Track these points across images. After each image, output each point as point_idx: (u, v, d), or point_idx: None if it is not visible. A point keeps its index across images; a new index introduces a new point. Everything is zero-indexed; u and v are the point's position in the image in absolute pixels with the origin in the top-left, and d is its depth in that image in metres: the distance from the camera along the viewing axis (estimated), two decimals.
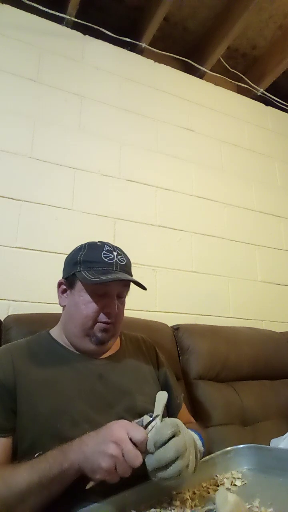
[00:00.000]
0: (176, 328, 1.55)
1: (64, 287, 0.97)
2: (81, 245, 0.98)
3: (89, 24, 1.95)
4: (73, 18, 1.90)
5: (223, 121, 2.29)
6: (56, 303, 1.01)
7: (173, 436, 0.62)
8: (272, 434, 1.26)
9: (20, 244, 1.51)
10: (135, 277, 0.95)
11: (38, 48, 1.81)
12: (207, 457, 0.77)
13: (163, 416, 0.69)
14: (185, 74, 2.25)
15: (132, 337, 1.10)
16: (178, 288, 1.79)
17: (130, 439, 0.61)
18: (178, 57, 2.21)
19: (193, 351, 1.48)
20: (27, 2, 1.79)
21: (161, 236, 1.84)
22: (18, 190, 1.57)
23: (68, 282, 0.96)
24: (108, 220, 1.72)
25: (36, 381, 0.85)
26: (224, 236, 2.02)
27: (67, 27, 1.93)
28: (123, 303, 0.98)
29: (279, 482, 0.71)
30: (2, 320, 1.24)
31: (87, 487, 0.63)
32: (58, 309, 1.04)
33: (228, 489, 0.69)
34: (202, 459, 0.72)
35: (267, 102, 2.52)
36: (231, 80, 2.40)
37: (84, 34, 1.96)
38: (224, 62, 2.29)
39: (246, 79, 2.41)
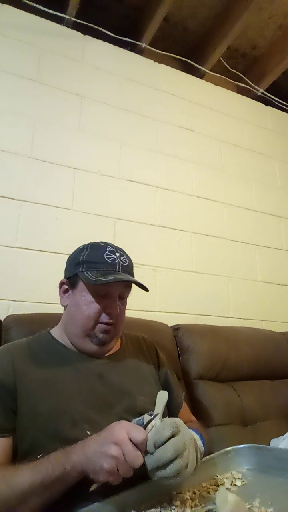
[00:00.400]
0: (176, 328, 1.55)
1: (66, 287, 0.97)
2: (84, 246, 0.98)
3: (89, 24, 1.95)
4: (73, 18, 1.90)
5: (223, 121, 2.29)
6: (56, 303, 1.01)
7: (172, 436, 0.62)
8: (272, 434, 1.26)
9: (20, 244, 1.51)
10: (135, 277, 0.95)
11: (38, 48, 1.81)
12: (207, 457, 0.77)
13: (164, 416, 0.69)
14: (185, 74, 2.25)
15: (133, 337, 1.10)
16: (178, 288, 1.79)
17: (131, 440, 0.61)
18: (178, 57, 2.21)
19: (193, 351, 1.48)
20: (27, 2, 1.79)
21: (161, 236, 1.84)
22: (18, 190, 1.57)
23: (70, 282, 0.96)
24: (108, 220, 1.72)
25: (36, 381, 0.85)
26: (224, 236, 2.02)
27: (67, 27, 1.93)
28: (124, 304, 0.98)
29: (279, 482, 0.71)
30: (2, 320, 1.24)
31: (91, 489, 0.63)
32: (58, 309, 1.04)
33: (228, 489, 0.69)
34: (202, 459, 0.72)
35: (267, 102, 2.52)
36: (231, 80, 2.40)
37: (84, 34, 1.96)
38: (224, 62, 2.29)
39: (246, 79, 2.41)
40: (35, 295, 1.46)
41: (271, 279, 2.09)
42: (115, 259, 0.92)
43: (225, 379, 1.49)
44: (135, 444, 0.61)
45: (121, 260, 0.93)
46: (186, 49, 2.25)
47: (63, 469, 0.65)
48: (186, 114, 2.16)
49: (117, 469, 0.61)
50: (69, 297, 0.96)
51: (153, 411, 0.70)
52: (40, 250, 1.54)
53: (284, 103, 2.55)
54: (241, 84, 2.43)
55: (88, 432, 0.78)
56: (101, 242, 0.98)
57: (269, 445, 1.19)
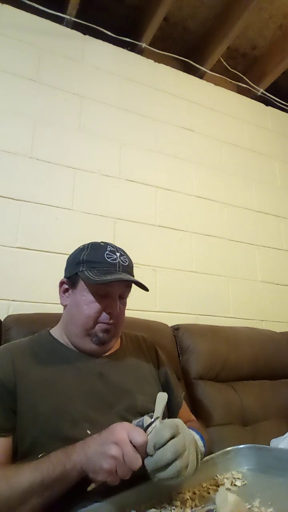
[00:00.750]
0: (176, 328, 1.55)
1: (66, 286, 0.97)
2: (84, 245, 0.98)
3: (89, 24, 1.95)
4: (73, 18, 1.90)
5: (223, 121, 2.29)
6: (56, 303, 1.01)
7: (172, 438, 0.62)
8: (272, 434, 1.26)
9: (20, 244, 1.51)
10: (135, 277, 0.95)
11: (38, 48, 1.81)
12: (207, 457, 0.77)
13: (164, 416, 0.69)
14: (185, 74, 2.25)
15: (132, 336, 1.10)
16: (178, 288, 1.79)
17: (131, 442, 0.62)
18: (178, 57, 2.21)
19: (193, 351, 1.48)
20: (27, 2, 1.79)
21: (161, 236, 1.84)
22: (18, 190, 1.57)
23: (70, 282, 0.96)
24: (108, 220, 1.72)
25: (36, 381, 0.85)
26: (224, 236, 2.02)
27: (67, 27, 1.93)
28: (124, 304, 0.98)
29: (279, 482, 0.71)
30: (2, 320, 1.25)
31: (89, 488, 0.63)
32: (58, 309, 1.04)
33: (228, 489, 0.69)
34: (202, 459, 0.72)
35: (267, 102, 2.52)
36: (231, 80, 2.40)
37: (84, 34, 1.96)
38: (224, 62, 2.29)
39: (246, 79, 2.41)
40: (35, 295, 1.46)
41: (271, 279, 2.09)
42: (115, 259, 0.92)
43: (225, 379, 1.49)
44: (134, 447, 0.61)
45: (121, 260, 0.93)
46: (186, 49, 2.24)
47: (63, 468, 0.65)
48: (186, 114, 2.16)
49: (116, 470, 0.61)
50: (69, 297, 0.96)
51: (153, 413, 0.70)
52: (40, 250, 1.54)
53: (284, 103, 2.55)
54: (241, 84, 2.43)
55: (88, 431, 0.78)
56: (101, 242, 0.98)
57: (269, 445, 1.19)
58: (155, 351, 1.09)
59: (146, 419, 0.67)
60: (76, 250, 0.99)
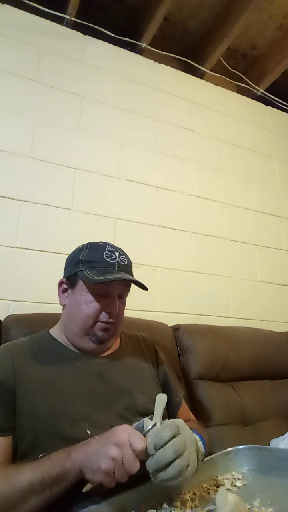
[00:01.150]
0: (176, 328, 1.55)
1: (65, 286, 0.97)
2: (83, 245, 0.98)
3: (89, 24, 1.95)
4: (73, 18, 1.90)
5: (223, 121, 2.29)
6: (56, 303, 1.01)
7: (172, 438, 0.62)
8: (272, 434, 1.25)
9: (20, 244, 1.51)
10: (135, 277, 0.95)
11: (38, 48, 1.81)
12: (207, 457, 0.77)
13: (163, 418, 0.69)
14: (185, 74, 2.25)
15: (132, 336, 1.10)
16: (178, 288, 1.79)
17: (131, 446, 0.61)
18: (178, 57, 2.21)
19: (193, 351, 1.48)
20: (27, 2, 1.79)
21: (161, 236, 1.84)
22: (18, 190, 1.57)
23: (69, 282, 0.96)
24: (108, 220, 1.72)
25: (36, 381, 0.85)
26: (224, 236, 2.02)
27: (67, 27, 1.93)
28: (124, 304, 0.98)
29: (279, 482, 0.71)
30: (2, 320, 1.24)
31: (84, 490, 0.63)
32: (58, 309, 1.04)
33: (228, 489, 0.69)
34: (202, 460, 0.72)
35: (267, 102, 2.52)
36: (231, 80, 2.40)
37: (84, 34, 1.96)
38: (224, 62, 2.29)
39: (246, 79, 2.41)
40: (35, 295, 1.46)
41: (271, 279, 2.09)
42: (114, 259, 0.92)
43: (225, 379, 1.49)
44: (133, 451, 0.61)
45: (120, 260, 0.93)
46: (186, 49, 2.24)
47: (63, 467, 0.65)
48: (186, 114, 2.16)
49: (113, 472, 0.60)
50: (68, 297, 0.96)
51: (153, 414, 0.69)
52: (40, 250, 1.53)
53: (284, 103, 2.55)
54: (241, 84, 2.43)
55: (88, 431, 0.78)
56: (100, 241, 0.98)
57: (269, 445, 1.19)
58: (154, 351, 1.09)
59: (146, 422, 0.67)
60: (75, 250, 0.99)
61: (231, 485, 0.72)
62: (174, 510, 0.63)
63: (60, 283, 0.99)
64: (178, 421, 0.66)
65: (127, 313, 1.01)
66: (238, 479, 0.74)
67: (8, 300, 1.42)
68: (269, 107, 2.53)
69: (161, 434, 0.62)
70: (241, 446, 0.82)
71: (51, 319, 1.06)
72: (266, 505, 0.62)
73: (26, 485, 0.66)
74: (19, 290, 1.45)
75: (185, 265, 1.85)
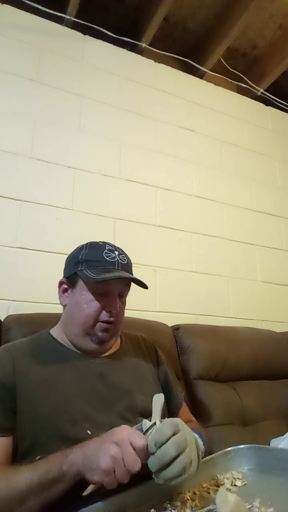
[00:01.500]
0: (176, 328, 1.55)
1: (65, 286, 0.97)
2: (83, 245, 0.98)
3: (89, 24, 1.95)
4: (73, 18, 1.90)
5: (223, 121, 2.29)
6: (56, 303, 1.01)
7: (173, 435, 0.61)
8: (272, 434, 1.25)
9: (20, 244, 1.51)
10: (135, 277, 0.95)
11: (38, 48, 1.81)
12: (207, 457, 0.77)
13: (163, 417, 0.69)
14: (185, 74, 2.25)
15: (132, 336, 1.10)
16: (178, 288, 1.79)
17: (131, 444, 0.61)
18: (178, 57, 2.21)
19: (193, 351, 1.48)
20: (27, 2, 1.79)
21: (161, 236, 1.84)
22: (18, 190, 1.57)
23: (69, 282, 0.96)
24: (108, 220, 1.72)
25: (36, 381, 0.85)
26: (224, 236, 2.02)
27: (67, 27, 1.93)
28: (124, 303, 0.98)
29: (279, 482, 0.71)
30: (2, 320, 1.25)
31: (84, 493, 0.62)
32: (58, 309, 1.04)
33: (228, 489, 0.69)
34: (202, 459, 0.72)
35: (267, 102, 2.52)
36: (231, 80, 2.40)
37: (84, 34, 1.96)
38: (224, 62, 2.29)
39: (246, 79, 2.41)
40: (35, 295, 1.46)
41: (271, 279, 2.08)
42: (114, 258, 0.92)
43: (225, 379, 1.49)
44: (134, 449, 0.61)
45: (120, 259, 0.93)
46: (186, 49, 2.24)
47: (60, 469, 0.65)
48: (186, 114, 2.16)
49: (114, 471, 0.60)
50: (68, 296, 0.96)
51: (152, 416, 0.69)
52: (40, 250, 1.53)
53: (284, 103, 2.55)
54: (241, 84, 2.43)
55: (88, 431, 0.78)
56: (99, 241, 0.98)
57: (269, 445, 1.19)
58: (154, 351, 1.09)
59: (145, 422, 0.67)
60: (75, 250, 0.99)
61: (231, 485, 0.72)
62: (174, 509, 0.63)
63: (60, 283, 0.99)
64: (177, 419, 0.66)
65: (127, 313, 1.01)
66: (238, 478, 0.74)
67: (8, 300, 1.42)
68: (269, 107, 2.53)
69: (162, 432, 0.61)
70: (241, 446, 0.82)
71: (51, 319, 1.06)
72: (266, 505, 0.62)
73: (24, 487, 0.66)
74: (19, 290, 1.45)
75: (185, 265, 1.85)
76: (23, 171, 1.60)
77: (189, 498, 0.66)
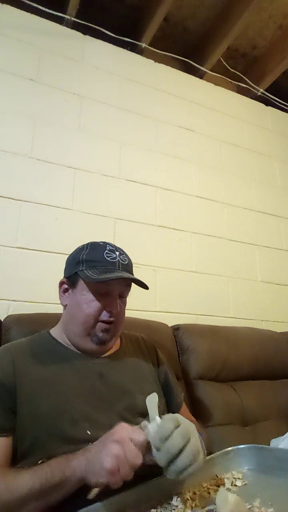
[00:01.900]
0: (176, 328, 1.55)
1: (66, 286, 0.97)
2: (83, 245, 0.98)
3: (89, 24, 1.95)
4: (73, 18, 1.90)
5: (223, 121, 2.29)
6: (56, 303, 1.01)
7: (175, 428, 0.62)
8: (272, 434, 1.26)
9: (20, 244, 1.51)
10: (136, 277, 0.95)
11: (38, 48, 1.81)
12: (207, 457, 0.77)
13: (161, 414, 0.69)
14: (185, 74, 2.25)
15: (132, 337, 1.10)
16: (178, 288, 1.79)
17: (131, 441, 0.61)
18: (178, 57, 2.21)
19: (193, 351, 1.48)
20: (27, 2, 1.79)
21: (161, 236, 1.84)
22: (18, 190, 1.57)
23: (70, 282, 0.96)
24: (108, 220, 1.72)
25: (36, 381, 0.85)
26: (224, 236, 2.02)
27: (67, 27, 1.93)
28: (124, 303, 0.98)
29: (280, 482, 0.71)
30: (2, 320, 1.24)
31: (90, 496, 0.62)
32: (58, 309, 1.04)
33: (228, 489, 0.69)
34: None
35: (267, 102, 2.52)
36: (231, 80, 2.40)
37: (84, 34, 1.96)
38: (224, 62, 2.29)
39: (246, 79, 2.41)
40: (35, 295, 1.46)
41: (271, 279, 2.08)
42: (115, 258, 0.92)
43: (225, 379, 1.49)
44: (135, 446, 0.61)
45: (121, 259, 0.93)
46: (186, 49, 2.24)
47: (62, 475, 0.65)
48: (186, 114, 2.16)
49: (118, 470, 0.60)
50: (69, 296, 0.96)
51: (149, 416, 0.69)
52: (40, 250, 1.53)
53: (284, 103, 2.55)
54: (241, 84, 2.43)
55: (88, 431, 0.78)
56: (100, 241, 0.98)
57: (269, 445, 1.19)
58: (154, 352, 1.09)
59: (144, 423, 0.67)
60: (76, 250, 0.99)
61: (231, 485, 0.72)
62: (174, 509, 0.63)
63: (61, 283, 0.99)
64: (176, 415, 0.66)
65: (127, 313, 1.01)
66: (238, 478, 0.74)
67: (8, 300, 1.42)
68: (269, 107, 2.53)
69: (165, 426, 0.62)
70: (241, 446, 0.82)
71: (51, 319, 1.06)
72: (266, 505, 0.62)
73: (25, 491, 0.66)
74: (19, 290, 1.45)
75: (185, 265, 1.85)
76: (23, 171, 1.60)
77: (189, 498, 0.66)
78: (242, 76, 2.41)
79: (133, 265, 0.99)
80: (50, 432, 0.79)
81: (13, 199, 1.55)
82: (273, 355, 1.65)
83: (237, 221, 2.10)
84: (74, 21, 1.91)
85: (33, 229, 1.55)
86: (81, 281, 0.92)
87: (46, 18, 1.86)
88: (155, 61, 2.15)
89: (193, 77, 2.27)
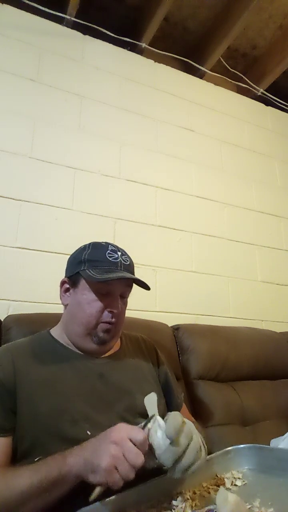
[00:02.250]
0: (176, 328, 1.55)
1: (67, 286, 0.97)
2: (85, 245, 0.98)
3: (89, 24, 1.95)
4: (73, 18, 1.90)
5: (223, 121, 2.29)
6: (56, 303, 1.01)
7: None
8: (272, 434, 1.25)
9: (20, 244, 1.51)
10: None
11: (38, 48, 1.81)
12: (207, 457, 0.77)
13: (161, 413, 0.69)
14: (185, 74, 2.25)
15: (132, 337, 1.10)
16: (178, 288, 1.79)
17: (131, 440, 0.61)
18: (178, 57, 2.21)
19: (193, 351, 1.48)
20: (27, 2, 1.79)
21: (161, 236, 1.84)
22: (18, 190, 1.57)
23: (71, 281, 0.96)
24: (108, 220, 1.72)
25: (36, 381, 0.85)
26: (224, 236, 2.02)
27: (67, 27, 1.93)
28: (125, 304, 0.98)
29: (280, 482, 0.71)
30: (2, 320, 1.24)
31: (91, 498, 0.61)
32: (58, 309, 1.04)
33: (228, 489, 0.69)
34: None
35: (267, 102, 2.52)
36: (231, 80, 2.40)
37: (84, 34, 1.96)
38: (224, 62, 2.29)
39: (246, 79, 2.41)
40: (35, 295, 1.46)
41: (271, 279, 2.09)
42: (117, 258, 0.92)
43: (225, 379, 1.49)
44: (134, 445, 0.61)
45: (122, 259, 0.93)
46: (186, 49, 2.24)
47: (59, 472, 0.65)
48: (186, 114, 2.16)
49: (116, 469, 0.59)
50: (70, 296, 0.96)
51: (149, 416, 0.69)
52: (40, 250, 1.53)
53: (284, 103, 2.55)
54: (241, 84, 2.43)
55: (88, 431, 0.78)
56: (102, 241, 0.98)
57: (269, 445, 1.19)
58: (154, 352, 1.09)
59: (145, 423, 0.67)
60: (77, 250, 0.99)
61: (231, 485, 0.71)
62: (174, 509, 0.63)
63: (62, 283, 0.99)
64: (176, 412, 0.66)
65: (127, 313, 1.01)
66: (238, 478, 0.74)
67: (8, 300, 1.42)
68: (269, 107, 2.53)
69: (175, 418, 0.62)
70: (242, 446, 0.82)
71: (51, 319, 1.06)
72: (267, 505, 0.62)
73: (24, 489, 0.66)
74: (19, 290, 1.45)
75: (185, 265, 1.85)
76: (23, 171, 1.60)
77: (189, 498, 0.66)
78: (242, 76, 2.41)
79: (134, 265, 0.99)
80: (50, 432, 0.79)
81: (13, 199, 1.55)
82: (273, 355, 1.65)
83: (237, 221, 2.10)
84: (74, 21, 1.91)
85: (33, 229, 1.55)
86: (83, 280, 0.92)
87: (46, 18, 1.86)
88: (155, 61, 2.15)
89: (193, 77, 2.27)
